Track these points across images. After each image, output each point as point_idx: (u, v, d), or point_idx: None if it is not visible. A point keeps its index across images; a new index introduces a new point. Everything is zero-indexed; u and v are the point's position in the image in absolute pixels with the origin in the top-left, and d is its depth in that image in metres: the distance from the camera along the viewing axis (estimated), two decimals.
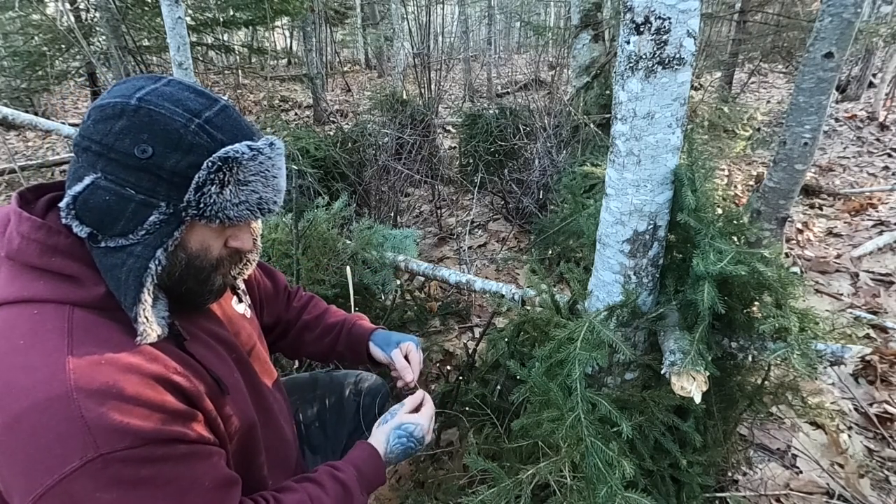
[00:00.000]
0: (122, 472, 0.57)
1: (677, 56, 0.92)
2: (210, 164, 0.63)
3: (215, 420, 0.71)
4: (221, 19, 5.52)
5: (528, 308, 1.58)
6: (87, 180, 0.62)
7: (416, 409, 1.01)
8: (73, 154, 0.66)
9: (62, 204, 0.62)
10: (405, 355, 1.09)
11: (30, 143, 6.35)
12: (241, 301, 0.93)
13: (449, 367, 2.05)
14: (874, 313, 2.27)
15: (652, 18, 0.90)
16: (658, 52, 0.92)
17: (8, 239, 0.64)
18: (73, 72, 5.83)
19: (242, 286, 0.95)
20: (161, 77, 0.66)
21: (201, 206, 0.64)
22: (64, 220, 0.63)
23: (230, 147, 0.64)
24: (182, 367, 0.67)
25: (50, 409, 0.56)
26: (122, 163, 0.61)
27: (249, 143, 0.66)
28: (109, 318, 0.64)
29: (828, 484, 1.48)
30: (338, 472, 0.85)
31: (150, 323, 0.64)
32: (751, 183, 3.90)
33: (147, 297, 0.64)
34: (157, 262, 0.64)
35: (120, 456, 0.57)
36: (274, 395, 0.92)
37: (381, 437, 0.94)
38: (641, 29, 0.92)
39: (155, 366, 0.64)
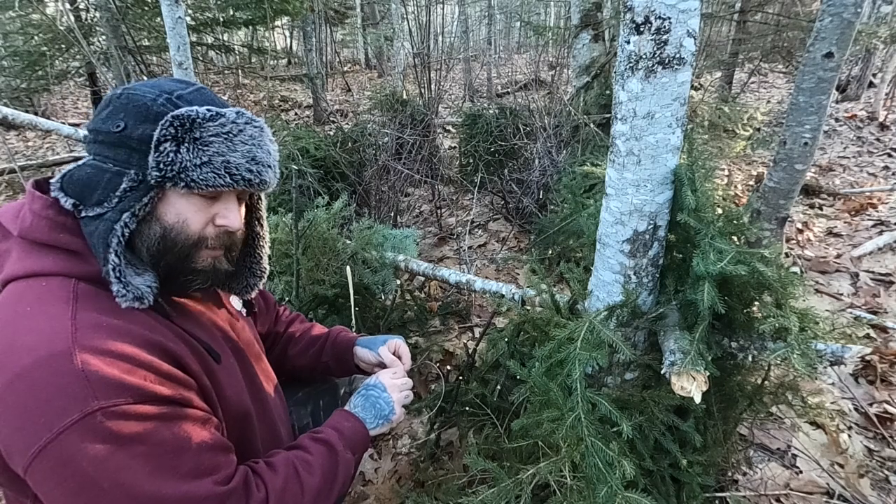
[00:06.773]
0: (119, 426, 0.58)
1: (677, 56, 0.92)
2: (164, 122, 0.66)
3: (210, 392, 0.73)
4: (221, 19, 5.52)
5: (528, 308, 1.58)
6: (80, 162, 0.70)
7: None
8: None
9: (52, 180, 0.69)
10: (393, 351, 1.11)
11: (30, 143, 6.35)
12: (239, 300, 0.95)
13: (449, 367, 2.05)
14: (874, 313, 2.27)
15: (652, 18, 0.90)
16: (658, 52, 0.92)
17: (21, 218, 0.68)
18: (73, 72, 5.83)
19: None
20: (162, 76, 0.72)
21: (161, 165, 0.66)
22: (53, 194, 0.68)
23: (186, 108, 0.67)
24: (176, 339, 0.70)
25: (52, 364, 0.57)
26: (105, 141, 0.68)
27: (210, 106, 0.69)
28: (111, 291, 0.68)
29: (828, 484, 1.48)
30: (317, 433, 0.87)
31: (124, 284, 0.65)
32: (751, 183, 3.90)
33: (114, 259, 0.65)
34: (122, 225, 0.66)
35: (118, 411, 0.58)
36: (270, 394, 0.93)
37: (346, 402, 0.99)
38: (641, 29, 0.92)
39: (152, 334, 0.66)
